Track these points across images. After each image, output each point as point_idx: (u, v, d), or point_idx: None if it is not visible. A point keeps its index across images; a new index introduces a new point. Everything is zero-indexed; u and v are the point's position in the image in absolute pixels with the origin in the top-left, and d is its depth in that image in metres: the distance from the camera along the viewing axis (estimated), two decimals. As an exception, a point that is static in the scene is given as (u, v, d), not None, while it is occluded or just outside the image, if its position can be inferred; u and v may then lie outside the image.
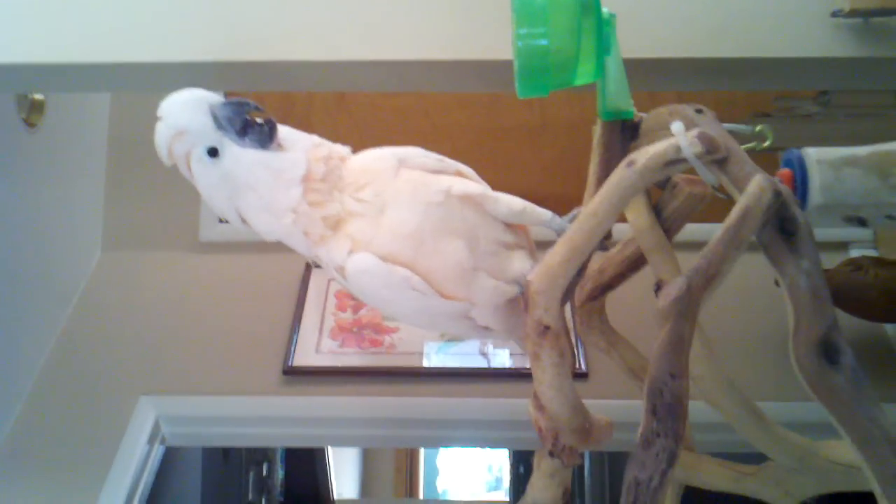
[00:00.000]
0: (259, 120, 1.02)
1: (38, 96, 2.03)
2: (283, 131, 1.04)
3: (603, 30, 0.98)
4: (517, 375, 2.02)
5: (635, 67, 1.08)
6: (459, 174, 1.07)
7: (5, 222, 1.94)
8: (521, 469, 4.10)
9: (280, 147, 1.03)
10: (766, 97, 2.00)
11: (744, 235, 0.82)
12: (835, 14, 1.21)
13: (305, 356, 2.09)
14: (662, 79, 1.29)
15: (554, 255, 0.90)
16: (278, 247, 2.35)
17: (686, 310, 0.80)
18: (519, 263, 1.02)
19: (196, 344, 2.15)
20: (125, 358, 2.12)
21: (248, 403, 2.04)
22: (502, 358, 2.08)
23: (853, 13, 1.20)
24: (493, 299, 1.01)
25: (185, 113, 1.01)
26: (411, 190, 1.02)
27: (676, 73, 1.28)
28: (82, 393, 2.05)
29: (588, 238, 0.90)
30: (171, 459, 2.17)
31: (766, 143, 1.04)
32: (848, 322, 1.82)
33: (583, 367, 1.96)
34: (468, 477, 5.24)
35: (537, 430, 0.94)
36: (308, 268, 2.30)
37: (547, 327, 0.89)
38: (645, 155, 0.88)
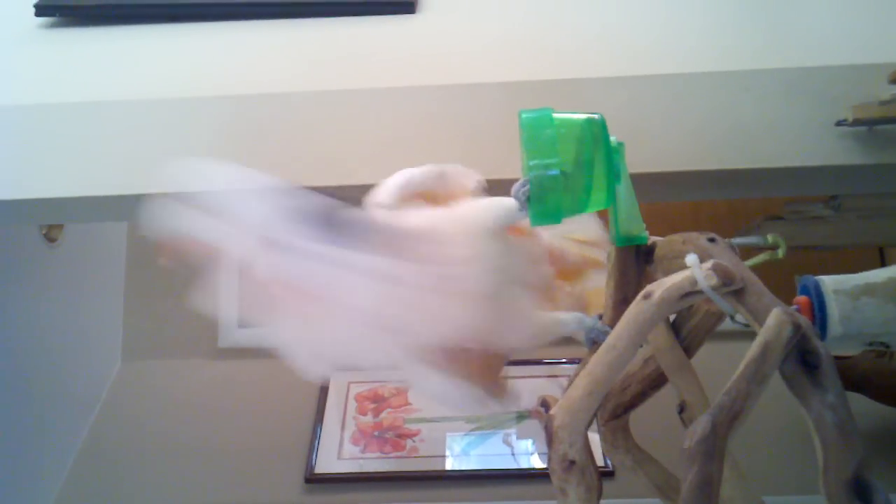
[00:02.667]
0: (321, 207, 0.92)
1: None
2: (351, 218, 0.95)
3: (612, 158, 0.99)
4: (543, 475, 1.98)
5: (646, 181, 1.10)
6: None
7: (26, 336, 1.96)
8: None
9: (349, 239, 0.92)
10: (777, 201, 2.02)
11: (766, 370, 0.82)
12: (839, 123, 1.23)
13: (328, 463, 2.08)
14: (672, 191, 1.30)
15: (575, 389, 0.90)
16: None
17: (713, 450, 0.79)
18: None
19: (217, 454, 2.14)
20: (147, 469, 2.11)
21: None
22: (526, 449, 2.05)
23: (857, 122, 1.21)
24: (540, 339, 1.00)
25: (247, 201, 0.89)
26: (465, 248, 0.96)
27: (686, 185, 1.29)
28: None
29: (609, 371, 0.89)
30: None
31: (780, 254, 1.04)
32: (874, 409, 1.80)
33: (608, 464, 1.93)
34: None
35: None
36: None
37: (573, 462, 0.88)
38: (661, 288, 0.88)
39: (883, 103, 1.18)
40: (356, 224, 0.93)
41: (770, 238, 1.01)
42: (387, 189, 1.04)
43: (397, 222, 0.97)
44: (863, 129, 1.22)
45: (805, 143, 1.26)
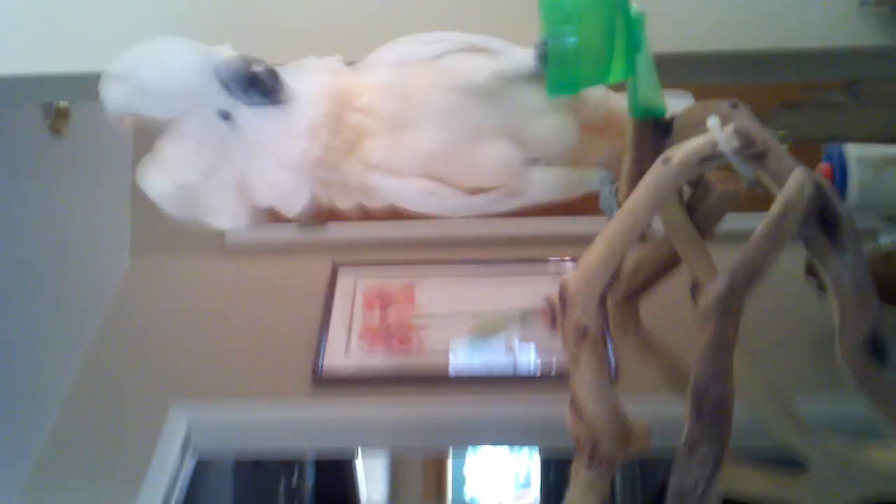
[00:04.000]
0: (259, 72, 0.96)
1: (63, 104, 2.04)
2: (287, 78, 0.99)
3: (633, 28, 0.97)
4: (545, 377, 2.01)
5: (662, 62, 1.07)
6: (471, 48, 1.04)
7: (34, 230, 1.96)
8: (551, 474, 4.07)
9: (285, 98, 0.98)
10: (793, 87, 1.98)
11: (785, 231, 0.80)
12: (863, 3, 1.20)
13: (335, 359, 2.09)
14: (688, 73, 1.27)
15: (590, 255, 0.89)
16: (305, 248, 2.38)
17: (729, 309, 0.78)
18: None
19: (225, 349, 2.16)
20: (155, 365, 2.14)
21: (278, 409, 2.05)
22: (528, 353, 2.07)
23: (882, 1, 1.18)
24: (550, 189, 1.01)
25: (189, 73, 0.96)
26: (422, 98, 0.99)
27: (702, 67, 1.26)
28: (115, 402, 2.06)
29: (625, 237, 0.88)
30: (202, 470, 2.18)
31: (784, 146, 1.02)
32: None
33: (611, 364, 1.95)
34: (496, 483, 5.21)
35: (574, 439, 0.92)
36: (335, 268, 2.30)
37: (586, 330, 0.88)
38: (681, 151, 0.87)
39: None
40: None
41: (779, 133, 0.99)
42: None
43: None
44: (887, 9, 1.18)
45: (827, 23, 1.22)
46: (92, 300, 2.26)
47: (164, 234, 2.40)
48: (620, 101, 1.07)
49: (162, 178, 1.02)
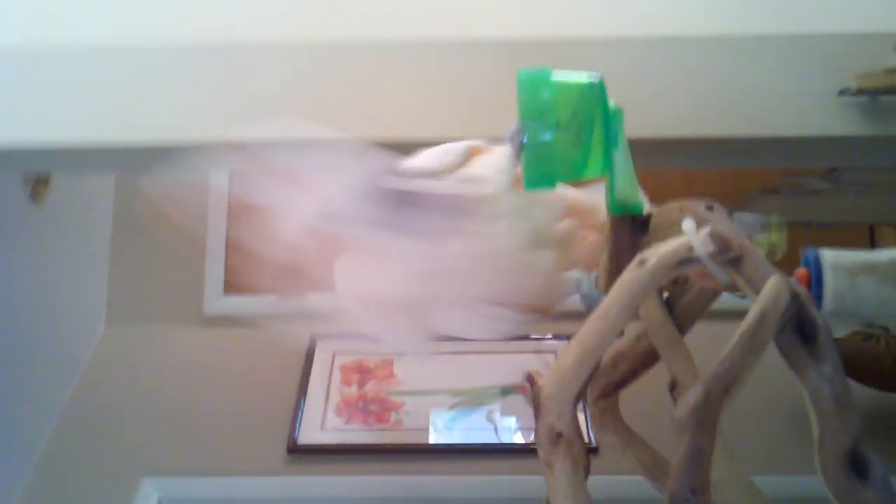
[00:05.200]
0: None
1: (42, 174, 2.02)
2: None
3: (610, 123, 0.96)
4: (527, 451, 1.97)
5: (642, 147, 1.07)
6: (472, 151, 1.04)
7: (9, 297, 1.92)
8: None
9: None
10: (772, 174, 1.99)
11: (762, 340, 0.79)
12: (842, 93, 1.20)
13: (311, 434, 2.05)
14: (669, 158, 1.28)
15: (565, 359, 0.88)
16: (281, 319, 2.34)
17: (705, 420, 0.77)
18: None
19: (201, 422, 2.11)
20: (128, 436, 2.09)
21: (252, 484, 2.00)
22: (510, 425, 2.04)
23: (860, 92, 1.19)
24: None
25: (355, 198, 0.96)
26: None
27: (683, 152, 1.27)
28: (85, 473, 2.01)
29: (600, 340, 0.87)
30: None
31: (778, 256, 1.01)
32: (860, 393, 1.78)
33: (592, 441, 1.92)
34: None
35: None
36: (313, 340, 2.27)
37: (560, 434, 0.86)
38: (656, 254, 0.86)
39: (889, 72, 1.15)
40: (423, 201, 0.97)
41: (773, 236, 0.99)
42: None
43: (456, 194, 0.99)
44: (866, 98, 1.19)
45: (807, 111, 1.23)
46: (66, 368, 2.22)
47: (141, 303, 2.39)
48: (571, 191, 1.08)
49: None
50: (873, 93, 1.18)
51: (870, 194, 1.90)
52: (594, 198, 1.06)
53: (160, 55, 1.34)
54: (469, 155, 1.04)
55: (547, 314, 1.03)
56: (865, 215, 1.94)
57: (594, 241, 1.06)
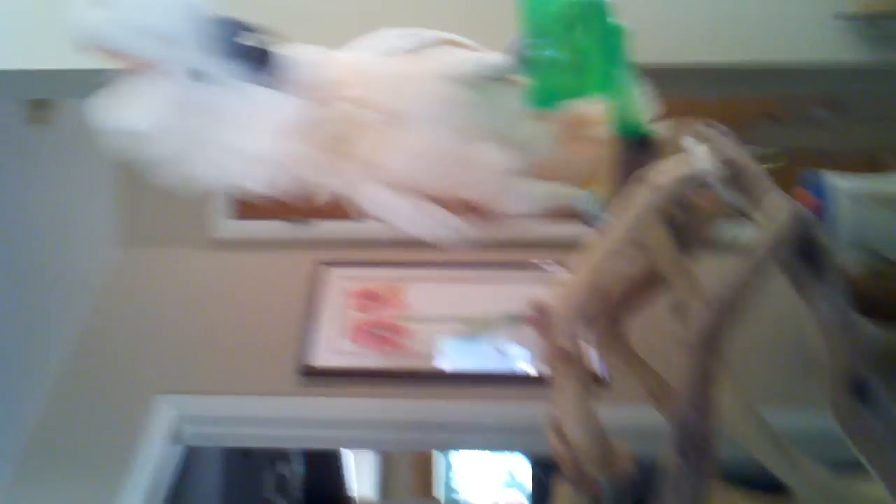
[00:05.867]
0: (256, 41, 0.91)
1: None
2: (279, 59, 0.94)
3: (612, 42, 0.95)
4: (532, 379, 2.00)
5: (643, 73, 1.05)
6: (447, 45, 1.00)
7: (22, 219, 1.94)
8: (543, 475, 4.06)
9: (273, 79, 0.93)
10: (776, 102, 1.96)
11: (767, 261, 0.80)
12: (839, 16, 1.18)
13: (323, 356, 2.08)
14: (666, 84, 1.25)
15: (574, 280, 0.88)
16: (293, 243, 2.37)
17: (713, 342, 0.78)
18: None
19: (214, 343, 2.15)
20: (144, 356, 2.13)
21: (265, 404, 2.05)
22: (516, 353, 2.06)
23: (858, 16, 1.16)
24: (531, 201, 0.99)
25: (177, 16, 0.90)
26: (415, 89, 0.95)
27: (679, 78, 1.24)
28: (102, 392, 2.06)
29: (609, 260, 0.88)
30: (191, 458, 2.18)
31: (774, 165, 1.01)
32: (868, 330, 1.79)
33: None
34: (486, 478, 5.21)
35: (557, 459, 0.92)
36: (321, 265, 2.29)
37: (567, 353, 0.87)
38: (661, 174, 0.86)
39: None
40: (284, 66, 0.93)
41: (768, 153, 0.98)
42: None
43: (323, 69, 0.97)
44: (863, 23, 1.16)
45: (803, 36, 1.21)
46: (80, 292, 2.25)
47: (152, 227, 2.40)
48: (587, 106, 1.06)
49: (112, 118, 0.94)
50: (871, 17, 1.16)
51: (871, 122, 1.88)
52: (597, 109, 1.04)
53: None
54: (438, 44, 1.01)
55: (494, 220, 1.00)
56: (868, 143, 1.92)
57: (593, 154, 1.05)
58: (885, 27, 1.19)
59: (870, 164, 1.94)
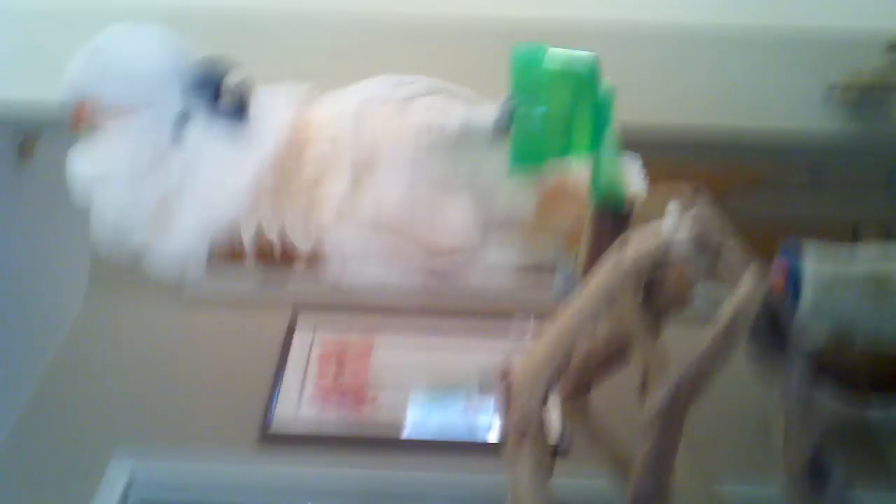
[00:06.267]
0: (233, 82, 0.92)
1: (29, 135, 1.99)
2: (257, 99, 0.96)
3: (602, 103, 0.96)
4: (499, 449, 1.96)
5: (627, 133, 1.06)
6: (441, 95, 1.02)
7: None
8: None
9: (251, 117, 0.94)
10: (756, 171, 1.99)
11: (733, 341, 0.79)
12: (830, 89, 1.20)
13: (286, 416, 2.05)
14: (654, 147, 1.26)
15: (536, 353, 0.87)
16: (262, 303, 2.34)
17: (672, 422, 0.76)
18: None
19: (175, 399, 2.10)
20: (102, 408, 2.08)
21: (224, 469, 1.98)
22: (485, 422, 2.03)
23: (848, 89, 1.19)
24: (506, 260, 0.99)
25: (159, 63, 0.91)
26: (392, 139, 0.96)
27: (667, 141, 1.26)
28: (58, 442, 2.00)
29: (572, 335, 0.87)
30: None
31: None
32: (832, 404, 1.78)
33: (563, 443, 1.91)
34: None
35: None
36: (291, 328, 2.27)
37: (526, 430, 0.86)
38: (634, 244, 0.86)
39: (876, 71, 1.15)
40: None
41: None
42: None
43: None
44: (854, 96, 1.19)
45: (793, 106, 1.24)
46: (45, 335, 2.21)
47: (124, 276, 2.36)
48: (569, 170, 1.06)
49: (88, 163, 0.96)
50: (861, 90, 1.18)
51: (852, 191, 1.91)
52: (577, 175, 1.04)
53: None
54: (431, 94, 1.03)
55: (456, 268, 1.01)
56: (847, 211, 1.94)
57: (574, 214, 1.05)
58: (869, 98, 1.21)
59: (850, 232, 1.96)
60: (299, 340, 2.24)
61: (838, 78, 1.20)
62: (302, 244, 1.01)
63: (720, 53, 1.25)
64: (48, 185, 2.08)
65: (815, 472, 0.74)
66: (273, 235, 1.00)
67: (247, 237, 1.00)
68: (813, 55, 1.23)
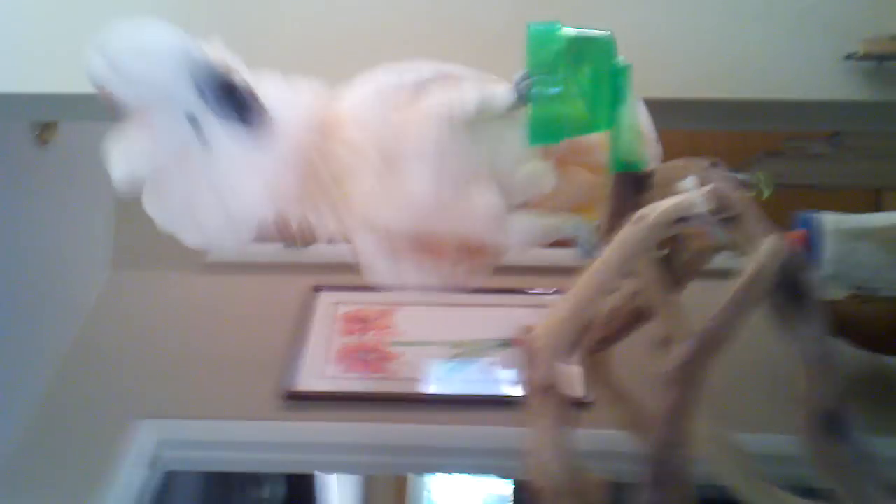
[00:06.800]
0: (238, 84, 0.92)
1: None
2: (268, 92, 0.95)
3: (618, 79, 0.96)
4: (518, 403, 1.98)
5: (648, 107, 1.07)
6: (449, 79, 1.00)
7: (17, 239, 1.94)
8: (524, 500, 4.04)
9: (260, 121, 0.93)
10: (778, 137, 1.97)
11: (755, 297, 0.80)
12: (849, 57, 1.20)
13: (309, 381, 2.07)
14: (675, 118, 1.27)
15: (558, 311, 0.88)
16: (285, 268, 2.36)
17: (693, 376, 0.78)
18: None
19: (200, 366, 2.13)
20: (129, 379, 2.11)
21: (248, 428, 2.02)
22: (507, 378, 2.05)
23: (866, 57, 1.18)
24: (528, 236, 0.99)
25: (162, 62, 0.91)
26: (412, 133, 0.95)
27: (687, 113, 1.26)
28: (85, 412, 2.04)
29: (594, 295, 0.88)
30: (169, 481, 2.15)
31: (766, 193, 1.02)
32: (852, 354, 1.79)
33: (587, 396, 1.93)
34: (465, 501, 5.18)
35: (533, 488, 0.91)
36: (314, 289, 2.29)
37: (550, 387, 0.87)
38: (655, 211, 0.86)
39: (894, 38, 1.15)
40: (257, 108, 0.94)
41: (757, 175, 0.99)
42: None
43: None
44: (872, 64, 1.18)
45: (812, 75, 1.23)
46: (70, 311, 2.24)
47: (146, 248, 2.39)
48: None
49: (119, 162, 0.96)
50: (879, 58, 1.17)
51: (871, 158, 1.89)
52: (595, 137, 1.04)
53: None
54: (440, 79, 1.01)
55: (488, 262, 1.02)
56: (869, 179, 1.93)
57: (588, 180, 1.05)
58: (891, 67, 1.20)
59: (871, 201, 1.96)
60: (322, 306, 2.27)
61: (856, 46, 1.18)
62: (328, 242, 1.02)
63: (735, 23, 1.24)
64: (70, 164, 2.11)
65: (835, 423, 0.75)
66: (298, 231, 1.01)
67: (270, 233, 1.01)
68: (829, 23, 1.22)
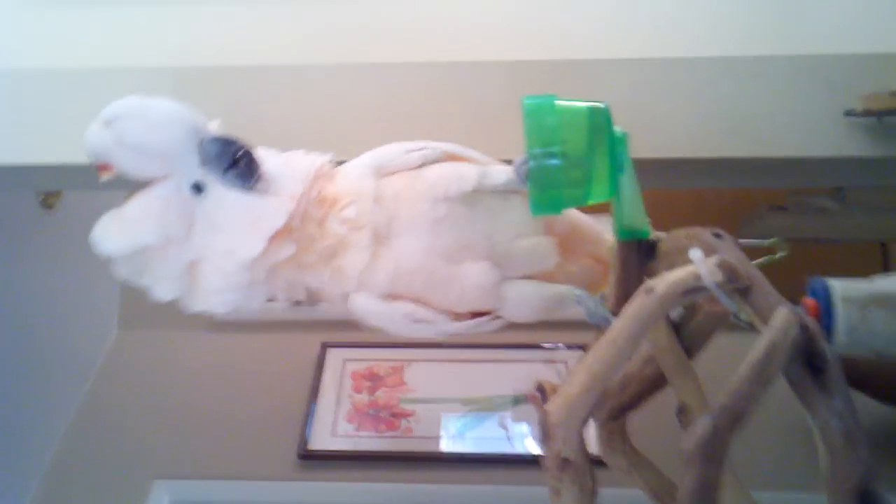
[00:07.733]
0: (241, 155, 0.94)
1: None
2: (269, 166, 0.98)
3: (616, 148, 0.96)
4: (538, 461, 1.96)
5: (650, 168, 1.07)
6: (449, 158, 1.03)
7: (22, 303, 1.94)
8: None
9: (263, 188, 0.96)
10: (781, 191, 1.98)
11: (770, 372, 0.79)
12: (848, 113, 1.20)
13: (321, 440, 2.06)
14: (677, 178, 1.27)
15: (572, 385, 0.88)
16: (293, 325, 2.35)
17: (713, 453, 0.77)
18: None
19: (211, 426, 2.12)
20: (140, 440, 2.10)
21: (262, 489, 2.00)
22: (521, 434, 2.03)
23: (866, 113, 1.18)
24: (527, 305, 1.00)
25: (173, 136, 0.93)
26: (409, 210, 0.98)
27: (690, 172, 1.26)
28: (96, 476, 2.02)
29: (608, 367, 0.87)
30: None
31: (779, 255, 1.02)
32: (873, 407, 1.77)
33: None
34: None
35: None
36: (324, 348, 2.28)
37: (567, 461, 0.86)
38: (664, 283, 0.86)
39: (894, 93, 1.15)
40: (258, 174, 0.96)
41: (773, 242, 0.99)
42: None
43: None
44: (872, 119, 1.19)
45: (813, 132, 1.23)
46: (78, 372, 2.24)
47: (152, 308, 2.38)
48: (580, 216, 1.09)
49: (118, 236, 0.99)
50: (879, 114, 1.18)
51: (875, 212, 1.89)
52: (601, 228, 1.06)
53: (164, 76, 1.35)
54: (443, 158, 1.04)
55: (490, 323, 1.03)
56: (875, 233, 1.93)
57: (588, 265, 1.07)
58: (891, 123, 1.20)
59: (877, 254, 1.95)
60: (331, 364, 2.26)
61: (856, 102, 1.19)
62: (324, 308, 1.04)
63: (733, 84, 1.24)
64: (75, 229, 2.12)
65: (864, 500, 0.74)
66: (294, 297, 1.04)
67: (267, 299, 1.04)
68: (828, 81, 1.22)
